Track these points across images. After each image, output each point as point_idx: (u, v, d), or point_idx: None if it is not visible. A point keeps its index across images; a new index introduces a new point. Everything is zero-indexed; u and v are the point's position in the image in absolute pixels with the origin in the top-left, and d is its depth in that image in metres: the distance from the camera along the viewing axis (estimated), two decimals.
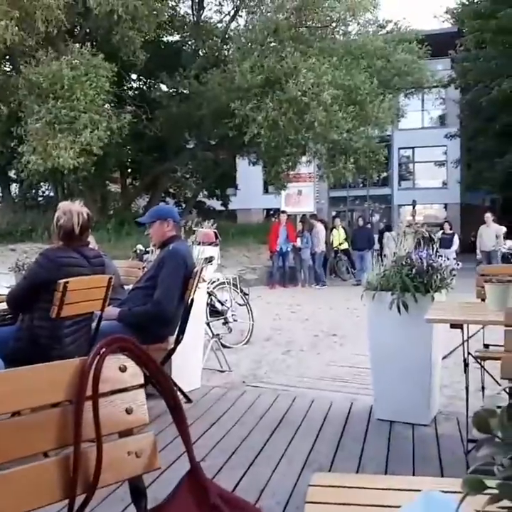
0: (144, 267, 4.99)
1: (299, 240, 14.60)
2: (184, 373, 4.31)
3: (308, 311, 9.69)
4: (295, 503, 2.60)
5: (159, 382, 1.27)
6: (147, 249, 6.56)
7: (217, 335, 5.83)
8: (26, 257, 5.05)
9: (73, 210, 3.33)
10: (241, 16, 20.33)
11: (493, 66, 20.70)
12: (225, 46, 20.82)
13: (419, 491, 1.01)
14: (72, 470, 1.12)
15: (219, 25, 21.48)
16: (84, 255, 3.41)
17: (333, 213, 22.77)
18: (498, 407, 0.75)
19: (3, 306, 3.60)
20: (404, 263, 3.82)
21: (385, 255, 4.14)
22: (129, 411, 1.25)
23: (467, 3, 26.05)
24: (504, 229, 13.54)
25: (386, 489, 1.01)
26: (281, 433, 3.52)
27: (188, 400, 4.07)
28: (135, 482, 1.24)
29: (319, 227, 14.84)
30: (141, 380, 1.29)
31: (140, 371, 1.29)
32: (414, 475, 2.84)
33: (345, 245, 15.33)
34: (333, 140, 15.83)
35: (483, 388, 3.56)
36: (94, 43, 16.64)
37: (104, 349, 1.23)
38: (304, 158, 17.23)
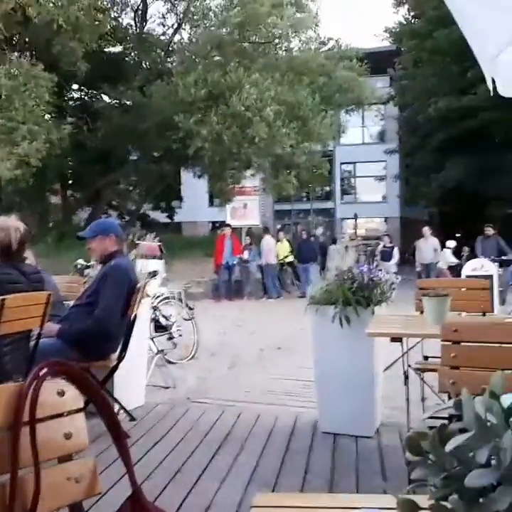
0: (84, 283, 4.88)
1: (246, 252, 14.65)
2: (127, 390, 4.23)
3: (254, 324, 9.71)
4: None
5: (98, 406, 1.24)
6: (88, 264, 6.43)
7: (162, 350, 5.76)
8: None
9: (10, 225, 3.24)
10: (184, 29, 20.40)
11: (429, 85, 21.47)
12: (168, 59, 20.81)
13: (358, 508, 1.03)
14: (8, 498, 1.08)
15: (162, 37, 21.45)
16: (21, 271, 3.32)
17: (278, 226, 23.01)
18: (431, 428, 0.77)
19: None
20: (346, 277, 3.89)
21: (327, 269, 4.20)
22: (67, 436, 1.21)
23: (405, 23, 27.00)
24: (438, 243, 13.99)
25: (326, 508, 1.02)
26: (226, 449, 3.50)
27: (132, 418, 4.00)
28: (75, 508, 1.20)
29: (269, 240, 14.95)
30: (81, 404, 1.26)
31: (79, 395, 1.26)
32: (357, 488, 2.88)
33: (290, 258, 15.49)
34: (277, 154, 16.03)
35: (423, 399, 3.65)
36: (34, 53, 16.29)
37: (41, 373, 1.19)
38: (248, 172, 17.36)
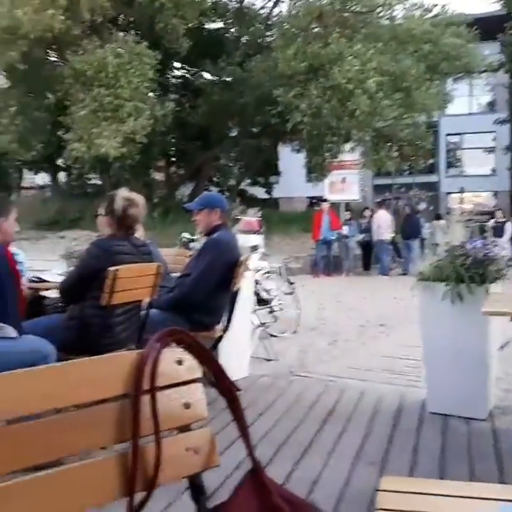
0: (190, 255, 4.97)
1: (345, 227, 14.40)
2: (232, 362, 4.28)
3: (354, 300, 9.55)
4: (347, 497, 2.54)
5: (217, 378, 1.21)
6: (193, 238, 6.56)
7: (264, 324, 5.78)
8: (76, 244, 5.09)
9: (134, 198, 3.34)
10: (284, 2, 20.11)
11: None
12: (267, 33, 20.65)
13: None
14: (130, 467, 1.08)
15: (262, 11, 21.31)
16: (132, 244, 3.41)
17: (377, 201, 22.40)
18: None
19: (55, 294, 3.64)
20: (458, 253, 3.68)
21: (436, 244, 4.00)
22: (186, 406, 1.20)
23: None
24: None
25: (471, 498, 0.93)
26: (330, 425, 3.45)
27: (237, 389, 4.03)
28: (194, 480, 1.19)
29: (382, 215, 14.59)
30: (199, 374, 1.24)
31: (197, 365, 1.23)
32: (471, 475, 2.73)
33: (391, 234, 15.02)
34: (378, 128, 15.53)
35: None
36: (138, 31, 16.73)
37: (160, 341, 1.18)
38: (347, 146, 16.98)
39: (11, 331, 2.74)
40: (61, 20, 13.56)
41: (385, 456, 3.00)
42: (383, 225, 14.28)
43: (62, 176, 24.63)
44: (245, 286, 4.46)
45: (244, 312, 4.61)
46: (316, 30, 16.73)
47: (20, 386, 1.02)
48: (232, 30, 21.52)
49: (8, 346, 2.68)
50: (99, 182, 21.76)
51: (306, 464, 2.89)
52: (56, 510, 1.03)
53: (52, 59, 17.38)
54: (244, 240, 6.35)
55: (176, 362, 1.21)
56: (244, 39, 20.81)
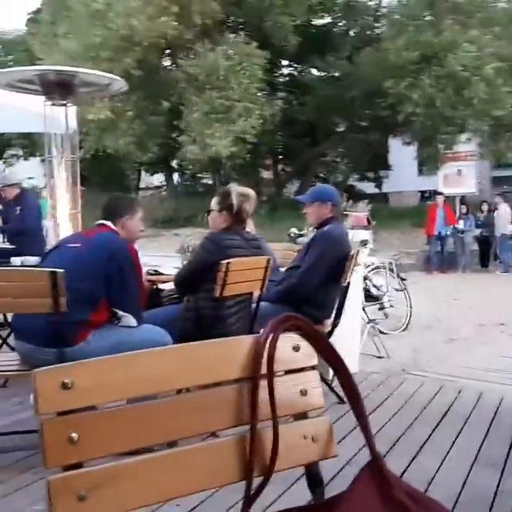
0: (298, 250, 4.97)
1: (461, 222, 13.76)
2: (342, 357, 4.22)
3: (472, 298, 9.11)
4: (465, 499, 2.42)
5: (334, 367, 1.18)
6: (301, 233, 6.55)
7: (373, 320, 5.66)
8: (191, 239, 5.27)
9: (249, 193, 3.40)
10: None
11: None
12: (376, 24, 20.19)
13: None
14: (248, 451, 1.08)
15: (370, 3, 20.88)
16: (244, 238, 3.46)
17: (496, 194, 21.15)
18: None
19: (171, 286, 3.78)
20: None
21: None
22: (303, 393, 1.18)
23: None
24: None
25: None
26: (447, 425, 3.31)
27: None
28: (311, 468, 1.17)
29: (503, 208, 13.85)
30: (315, 361, 1.22)
31: (314, 352, 1.22)
32: None
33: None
34: (496, 116, 14.67)
35: None
36: (248, 32, 16.98)
37: (276, 327, 1.17)
38: (463, 137, 16.20)
39: (132, 320, 2.88)
40: (173, 26, 14.06)
41: (507, 460, 2.82)
42: (505, 219, 13.50)
43: (176, 177, 25.59)
44: (355, 282, 4.38)
45: (354, 308, 4.53)
46: (428, 18, 16.11)
47: (141, 367, 1.05)
48: (340, 24, 21.25)
49: (129, 334, 2.82)
50: (210, 182, 22.38)
51: (421, 463, 2.79)
52: (175, 491, 1.05)
53: (166, 64, 18.07)
54: (354, 235, 6.24)
55: (292, 348, 1.20)
56: (352, 32, 20.50)
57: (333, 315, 3.88)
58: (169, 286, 3.96)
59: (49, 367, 0.96)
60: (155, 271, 4.24)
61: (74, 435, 0.93)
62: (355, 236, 6.39)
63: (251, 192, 3.47)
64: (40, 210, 7.04)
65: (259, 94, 15.55)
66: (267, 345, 1.13)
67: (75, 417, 0.95)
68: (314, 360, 1.22)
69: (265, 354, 1.13)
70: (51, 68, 3.80)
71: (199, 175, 22.74)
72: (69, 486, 0.93)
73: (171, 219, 18.58)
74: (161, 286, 4.21)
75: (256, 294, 3.57)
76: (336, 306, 3.88)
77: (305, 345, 1.21)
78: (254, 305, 3.58)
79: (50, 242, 7.61)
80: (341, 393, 1.28)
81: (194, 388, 1.13)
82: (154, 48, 14.97)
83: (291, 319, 1.19)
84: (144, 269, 4.06)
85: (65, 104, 3.88)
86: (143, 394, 1.04)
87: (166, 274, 4.11)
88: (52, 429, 0.93)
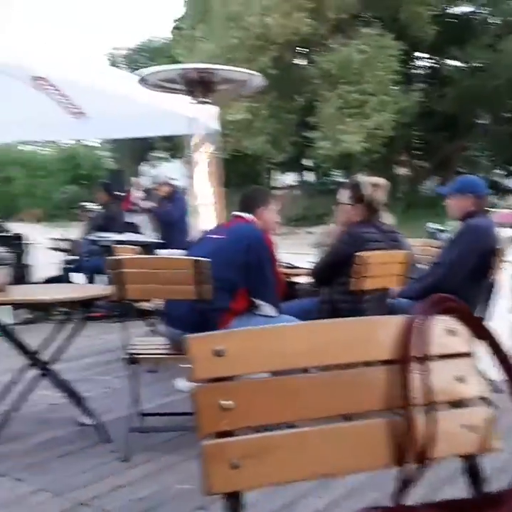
0: (439, 246, 4.76)
1: None
2: (488, 358, 3.98)
3: None
4: None
5: (498, 357, 1.10)
6: (442, 228, 6.28)
7: None
8: (325, 235, 5.26)
9: (381, 183, 3.32)
10: None
11: None
12: None
13: None
14: (402, 436, 1.04)
15: None
16: (381, 230, 3.37)
17: None
18: None
19: (307, 279, 3.79)
20: None
21: None
22: (460, 379, 1.12)
23: None
24: None
25: None
26: None
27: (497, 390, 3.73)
28: (470, 461, 1.10)
29: None
30: (473, 348, 1.15)
31: (471, 337, 1.14)
32: None
33: None
34: None
35: None
36: (382, 24, 16.60)
37: (429, 308, 1.12)
38: None
39: (270, 310, 2.92)
40: (307, 23, 14.13)
41: None
42: None
43: (309, 176, 25.70)
44: (502, 280, 4.10)
45: (500, 308, 4.25)
46: None
47: (290, 339, 1.05)
48: (479, 11, 20.11)
49: (267, 324, 2.86)
50: (342, 180, 22.20)
51: None
52: (323, 469, 1.04)
53: (300, 62, 18.20)
54: (499, 233, 5.87)
55: (447, 332, 1.13)
56: (493, 20, 19.31)
57: (477, 313, 3.67)
58: (304, 279, 3.97)
59: (202, 333, 0.98)
60: (289, 264, 4.28)
61: (226, 403, 0.95)
62: (501, 233, 6.01)
63: (381, 180, 3.38)
64: (184, 205, 7.47)
65: (394, 87, 15.16)
66: (419, 326, 1.08)
67: (228, 385, 0.97)
68: (472, 346, 1.14)
69: (416, 336, 1.08)
70: (192, 66, 3.95)
71: (331, 173, 22.64)
72: (222, 453, 0.95)
73: (304, 217, 18.71)
74: (295, 279, 4.25)
75: (393, 289, 3.47)
76: (481, 304, 3.67)
77: (461, 330, 1.14)
78: (391, 301, 3.48)
79: (192, 237, 8.04)
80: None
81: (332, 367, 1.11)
82: (288, 45, 15.16)
83: (447, 301, 1.13)
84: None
85: (207, 102, 4.02)
86: (292, 366, 1.04)
87: (301, 268, 4.13)
88: (205, 396, 0.95)
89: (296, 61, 17.85)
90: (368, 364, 1.11)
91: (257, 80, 4.13)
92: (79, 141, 24.90)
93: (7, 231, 7.37)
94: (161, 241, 5.98)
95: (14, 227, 7.91)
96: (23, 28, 4.95)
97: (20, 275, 5.97)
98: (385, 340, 1.10)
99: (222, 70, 4.02)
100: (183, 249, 5.74)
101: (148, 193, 7.32)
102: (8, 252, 4.83)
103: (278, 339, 1.04)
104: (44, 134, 9.14)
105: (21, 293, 2.97)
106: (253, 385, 1.02)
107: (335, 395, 1.07)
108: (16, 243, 6.58)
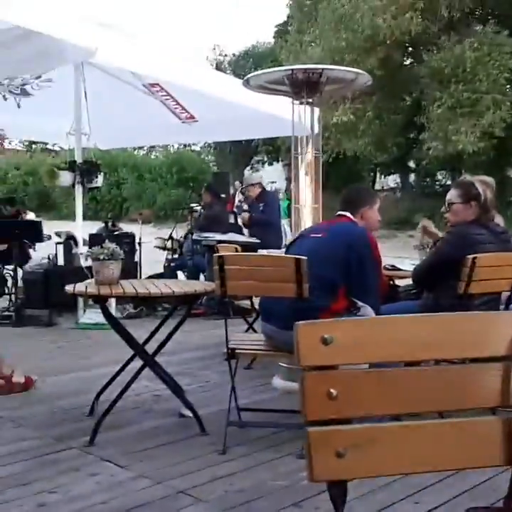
0: None
1: None
2: None
3: None
4: None
5: None
6: None
7: None
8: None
9: (488, 181, 3.17)
10: None
11: None
12: None
13: None
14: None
15: None
16: (493, 231, 3.20)
17: None
18: None
19: (409, 281, 3.67)
20: None
21: None
22: None
23: None
24: None
25: None
26: None
27: None
28: None
29: None
30: None
31: None
32: None
33: None
34: None
35: None
36: (496, 21, 15.83)
37: None
38: None
39: (370, 312, 2.86)
40: (418, 22, 13.78)
41: None
42: None
43: (412, 177, 24.99)
44: None
45: None
46: None
47: (401, 331, 1.02)
48: None
49: None
50: (448, 182, 21.39)
51: None
52: (431, 463, 1.01)
53: (408, 61, 17.77)
54: None
55: None
56: None
57: None
58: (406, 281, 3.86)
59: (311, 321, 0.98)
60: (392, 266, 4.17)
61: (333, 391, 0.94)
62: None
63: (490, 179, 3.24)
64: (279, 207, 7.56)
65: (509, 85, 14.42)
66: None
67: (335, 373, 0.97)
68: None
69: None
70: (299, 67, 3.95)
71: (435, 174, 21.88)
72: (328, 441, 0.95)
73: (406, 220, 18.18)
74: (397, 281, 4.14)
75: (505, 294, 3.28)
76: None
77: None
78: (503, 306, 3.30)
79: (288, 239, 8.12)
80: None
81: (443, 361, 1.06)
82: (397, 45, 14.85)
83: None
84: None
85: (311, 103, 4.01)
86: (401, 359, 1.01)
87: (404, 270, 4.01)
88: (312, 383, 0.95)
89: (404, 61, 17.45)
90: (477, 360, 1.06)
91: (364, 78, 4.07)
92: (185, 145, 25.81)
93: (119, 230, 7.77)
94: (258, 241, 6.06)
95: (124, 227, 8.33)
96: (135, 35, 5.21)
97: (131, 271, 6.26)
98: (500, 336, 1.03)
99: (330, 69, 4.00)
100: (278, 248, 5.79)
101: (244, 194, 7.44)
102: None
103: (388, 330, 1.02)
104: (156, 139, 9.57)
105: (132, 287, 3.10)
106: (358, 375, 1.01)
107: (441, 389, 1.02)
108: (127, 241, 6.92)
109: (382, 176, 27.46)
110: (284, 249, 6.05)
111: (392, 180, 27.26)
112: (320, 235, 3.02)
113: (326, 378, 0.96)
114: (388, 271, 4.03)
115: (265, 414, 3.15)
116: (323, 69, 3.87)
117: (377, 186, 28.44)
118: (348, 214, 3.09)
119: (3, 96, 6.11)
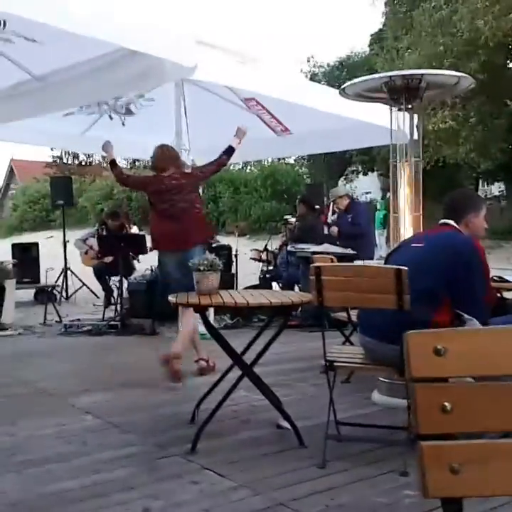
0: None
1: None
2: None
3: None
4: None
5: None
6: None
7: None
8: None
9: None
10: None
11: None
12: None
13: None
14: None
15: None
16: None
17: None
18: None
19: None
20: None
21: None
22: None
23: None
24: None
25: None
26: None
27: None
28: None
29: None
30: None
31: None
32: None
33: None
34: None
35: None
36: None
37: None
38: None
39: (477, 325, 2.71)
40: None
41: None
42: None
43: None
44: None
45: None
46: None
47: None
48: None
49: None
50: None
51: None
52: None
53: (511, 64, 16.95)
54: None
55: None
56: None
57: None
58: None
59: (422, 330, 0.94)
60: (499, 277, 3.96)
61: (447, 404, 0.89)
62: None
63: None
64: (370, 217, 7.44)
65: None
66: None
67: (449, 386, 0.92)
68: None
69: None
70: (398, 73, 3.87)
71: None
72: (441, 456, 0.90)
73: (508, 231, 17.30)
74: (505, 294, 3.95)
75: None
76: None
77: None
78: None
79: (383, 250, 7.96)
80: None
81: None
82: (499, 48, 14.22)
83: None
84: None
85: (411, 109, 3.92)
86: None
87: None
88: (424, 396, 0.91)
89: (507, 64, 16.64)
90: None
91: (467, 82, 3.92)
92: (279, 159, 26.00)
93: (217, 242, 7.95)
94: (354, 252, 5.97)
95: (221, 240, 8.51)
96: (231, 50, 5.32)
97: (227, 283, 6.37)
98: None
99: (431, 74, 3.90)
100: (370, 258, 5.68)
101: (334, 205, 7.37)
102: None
103: (506, 342, 0.95)
104: (251, 154, 9.71)
105: (230, 297, 3.14)
106: (474, 388, 0.95)
107: None
108: (224, 253, 7.05)
109: (485, 184, 26.28)
110: (376, 260, 5.96)
111: (496, 188, 26.03)
112: (422, 245, 2.92)
113: (440, 391, 0.91)
114: (495, 282, 3.83)
115: (365, 429, 3.06)
116: (423, 74, 3.78)
117: (480, 194, 27.26)
118: (451, 222, 2.96)
119: (109, 116, 6.45)
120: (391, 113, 4.02)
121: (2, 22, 3.92)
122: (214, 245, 7.54)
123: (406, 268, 2.61)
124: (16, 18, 3.59)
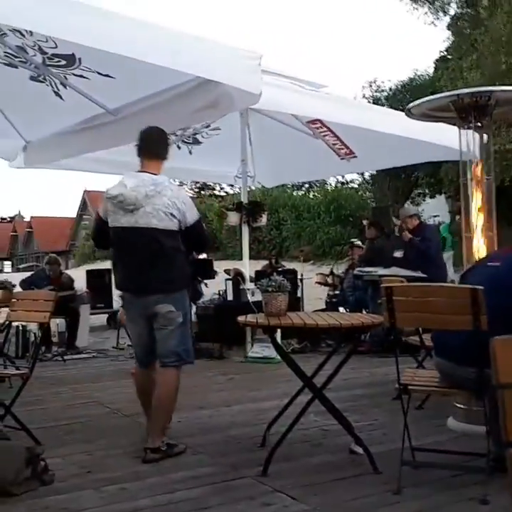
0: None
1: None
2: None
3: None
4: None
5: None
6: None
7: None
8: None
9: None
10: None
11: None
12: None
13: None
14: None
15: None
16: None
17: None
18: None
19: None
20: None
21: None
22: None
23: None
24: None
25: None
26: None
27: None
28: None
29: None
30: None
31: None
32: None
33: None
34: None
35: None
36: None
37: None
38: None
39: None
40: None
41: None
42: None
43: None
44: None
45: None
46: None
47: None
48: None
49: None
50: None
51: None
52: None
53: None
54: None
55: None
56: None
57: None
58: None
59: (509, 336, 0.91)
60: None
61: None
62: None
63: None
64: (439, 240, 7.23)
65: None
66: None
67: None
68: None
69: None
70: (466, 91, 3.81)
71: None
72: None
73: None
74: None
75: None
76: None
77: None
78: None
79: (450, 272, 7.72)
80: None
81: None
82: None
83: None
84: None
85: (480, 127, 3.85)
86: None
87: None
88: None
89: None
90: None
91: None
92: (343, 183, 25.86)
93: (282, 267, 7.97)
94: (424, 275, 5.80)
95: (285, 265, 8.52)
96: (294, 77, 5.39)
97: (294, 307, 6.34)
98: None
99: (500, 91, 3.82)
100: (441, 282, 5.49)
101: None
102: None
103: None
104: (315, 175, 9.70)
105: (299, 318, 3.14)
106: None
107: None
108: (290, 277, 7.05)
109: None
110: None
111: None
112: (498, 264, 2.83)
113: None
114: None
115: (441, 455, 2.95)
116: (492, 91, 3.70)
117: None
118: None
119: (177, 145, 6.65)
120: (459, 131, 3.95)
121: (78, 59, 4.16)
122: (280, 269, 7.55)
123: (482, 287, 2.54)
124: (89, 54, 3.79)
